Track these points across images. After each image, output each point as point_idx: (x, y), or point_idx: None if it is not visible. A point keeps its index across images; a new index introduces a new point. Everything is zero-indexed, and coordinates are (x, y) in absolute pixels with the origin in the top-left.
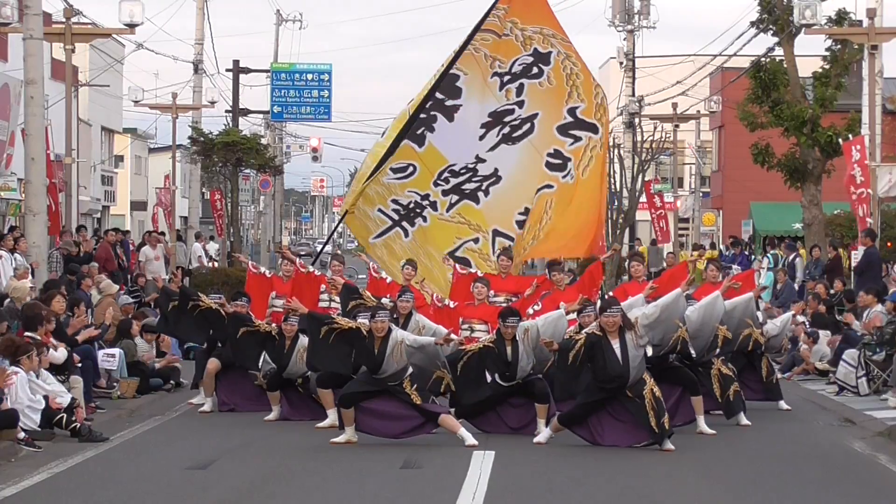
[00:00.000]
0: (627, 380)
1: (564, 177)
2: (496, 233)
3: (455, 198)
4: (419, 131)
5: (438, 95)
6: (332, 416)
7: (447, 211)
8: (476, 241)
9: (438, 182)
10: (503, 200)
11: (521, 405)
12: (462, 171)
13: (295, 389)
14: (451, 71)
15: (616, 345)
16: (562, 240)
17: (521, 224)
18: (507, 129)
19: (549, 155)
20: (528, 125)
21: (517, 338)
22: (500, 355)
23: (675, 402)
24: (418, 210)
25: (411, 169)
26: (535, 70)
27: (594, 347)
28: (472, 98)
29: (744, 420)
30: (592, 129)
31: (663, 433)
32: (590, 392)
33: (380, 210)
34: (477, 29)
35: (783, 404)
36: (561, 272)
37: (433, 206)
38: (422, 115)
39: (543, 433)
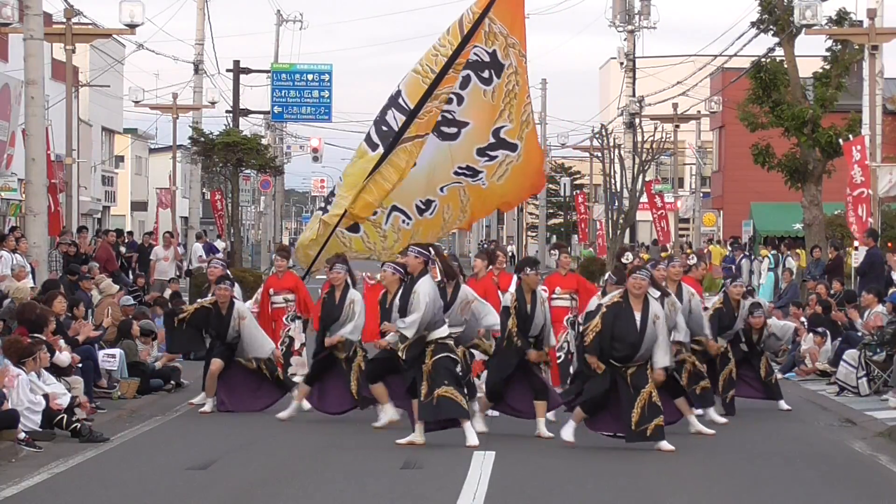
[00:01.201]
0: (638, 351)
1: (475, 180)
2: (395, 208)
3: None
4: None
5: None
6: (389, 413)
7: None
8: (374, 213)
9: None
10: (409, 184)
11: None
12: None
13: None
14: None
15: (637, 315)
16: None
17: (420, 210)
18: (439, 118)
19: (460, 167)
20: (456, 130)
21: (536, 291)
22: (521, 308)
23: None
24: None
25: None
26: (486, 74)
27: (616, 316)
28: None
29: (715, 417)
30: (511, 147)
31: (641, 436)
32: (595, 379)
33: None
34: (472, 31)
35: (783, 404)
36: (568, 255)
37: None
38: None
39: (542, 428)
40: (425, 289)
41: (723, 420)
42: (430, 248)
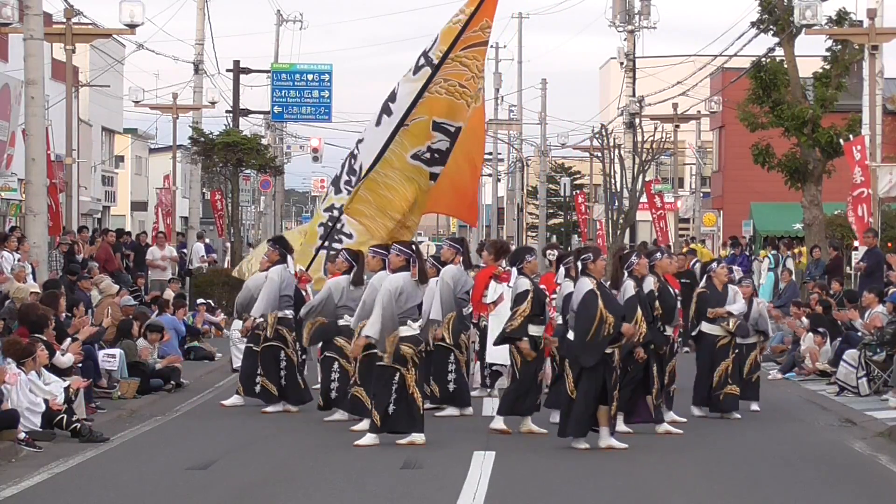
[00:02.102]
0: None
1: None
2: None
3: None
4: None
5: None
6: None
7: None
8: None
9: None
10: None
11: None
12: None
13: None
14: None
15: (613, 291)
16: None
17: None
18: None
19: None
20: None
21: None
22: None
23: (633, 400)
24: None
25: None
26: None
27: (603, 293)
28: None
29: (671, 416)
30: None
31: (612, 428)
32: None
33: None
34: (458, 37)
35: (755, 405)
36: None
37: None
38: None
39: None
40: (393, 285)
41: (682, 419)
42: (413, 247)
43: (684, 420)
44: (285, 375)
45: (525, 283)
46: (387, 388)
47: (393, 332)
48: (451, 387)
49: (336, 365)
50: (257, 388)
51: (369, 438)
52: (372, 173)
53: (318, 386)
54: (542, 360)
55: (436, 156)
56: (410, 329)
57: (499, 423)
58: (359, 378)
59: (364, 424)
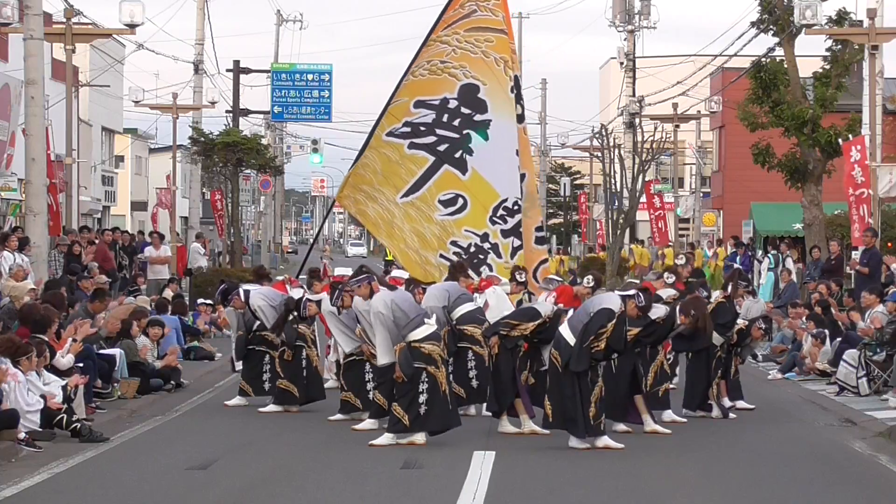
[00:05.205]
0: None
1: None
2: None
3: (517, 242)
4: (457, 154)
5: (464, 110)
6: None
7: (511, 257)
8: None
9: (495, 220)
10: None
11: None
12: (515, 209)
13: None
14: (469, 81)
15: None
16: None
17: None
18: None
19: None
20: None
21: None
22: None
23: (624, 401)
24: (481, 256)
25: (461, 202)
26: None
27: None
28: (499, 114)
29: (671, 416)
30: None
31: (596, 430)
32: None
33: (441, 256)
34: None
35: (742, 403)
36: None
37: (495, 250)
38: (453, 135)
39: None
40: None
41: (682, 420)
42: (363, 268)
43: (684, 420)
44: (307, 374)
45: (547, 308)
46: (414, 389)
47: (399, 342)
48: (475, 383)
49: (368, 367)
50: (266, 386)
51: (387, 438)
52: (361, 159)
53: (330, 386)
54: (521, 366)
55: (421, 128)
56: (429, 327)
57: (506, 426)
58: (375, 379)
59: (367, 424)
